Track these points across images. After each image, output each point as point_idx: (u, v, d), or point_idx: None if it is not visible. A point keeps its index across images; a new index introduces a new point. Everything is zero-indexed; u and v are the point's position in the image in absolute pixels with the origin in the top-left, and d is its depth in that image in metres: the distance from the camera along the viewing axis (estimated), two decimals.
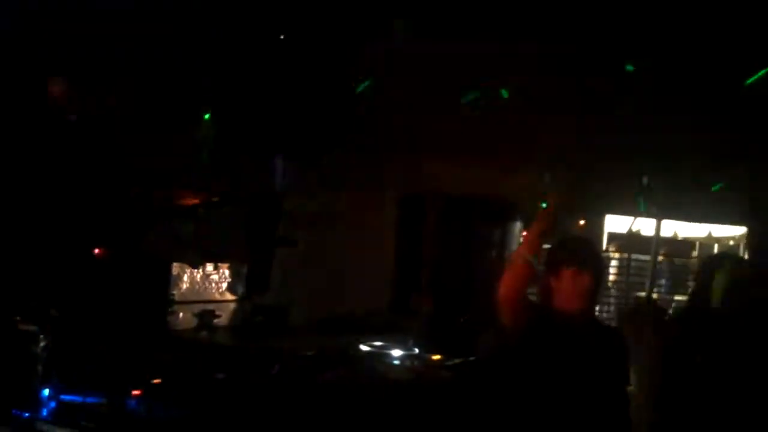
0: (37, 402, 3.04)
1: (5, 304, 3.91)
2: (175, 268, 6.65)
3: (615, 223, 10.32)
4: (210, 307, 6.90)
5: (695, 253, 10.82)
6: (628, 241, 10.28)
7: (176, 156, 7.99)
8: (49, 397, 3.09)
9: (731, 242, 10.80)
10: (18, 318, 3.82)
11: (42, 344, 3.64)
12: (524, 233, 5.44)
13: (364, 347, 4.66)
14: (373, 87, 7.43)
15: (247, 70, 7.16)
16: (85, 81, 5.61)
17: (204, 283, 6.87)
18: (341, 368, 4.23)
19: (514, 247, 9.06)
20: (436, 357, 4.70)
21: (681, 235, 10.87)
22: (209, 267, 6.93)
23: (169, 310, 6.62)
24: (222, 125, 7.31)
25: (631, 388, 5.19)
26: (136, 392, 3.30)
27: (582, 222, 9.58)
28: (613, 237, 10.56)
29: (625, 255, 10.32)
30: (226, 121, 7.25)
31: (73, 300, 5.45)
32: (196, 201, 7.35)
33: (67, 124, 5.57)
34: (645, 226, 10.20)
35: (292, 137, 7.00)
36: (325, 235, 8.65)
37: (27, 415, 2.89)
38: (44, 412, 2.95)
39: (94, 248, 5.70)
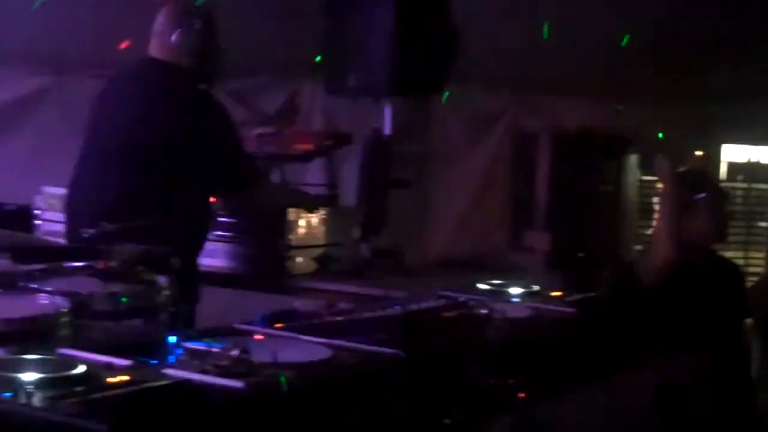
0: (164, 349, 3.11)
1: (132, 255, 3.99)
2: (291, 213, 6.71)
3: (733, 153, 10.11)
4: (327, 251, 6.96)
5: None
6: (750, 171, 10.10)
7: (288, 100, 8.06)
8: (175, 345, 3.16)
9: None
10: (141, 268, 3.90)
11: (167, 292, 3.72)
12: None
13: (482, 286, 4.65)
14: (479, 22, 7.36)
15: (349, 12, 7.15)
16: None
17: (320, 228, 6.93)
18: (461, 307, 4.22)
19: (630, 180, 8.97)
20: (556, 293, 4.66)
21: None
22: (325, 211, 6.97)
23: (287, 255, 6.70)
24: (330, 69, 7.33)
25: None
26: (258, 337, 3.35)
27: (700, 153, 9.43)
28: (733, 167, 10.36)
29: (746, 184, 10.15)
30: (335, 65, 7.27)
31: (194, 249, 5.56)
32: (310, 146, 7.40)
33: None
34: (765, 154, 9.99)
35: (400, 76, 6.97)
36: (439, 176, 8.66)
37: (154, 362, 2.95)
38: (171, 359, 3.01)
39: (211, 197, 5.79)
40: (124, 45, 6.22)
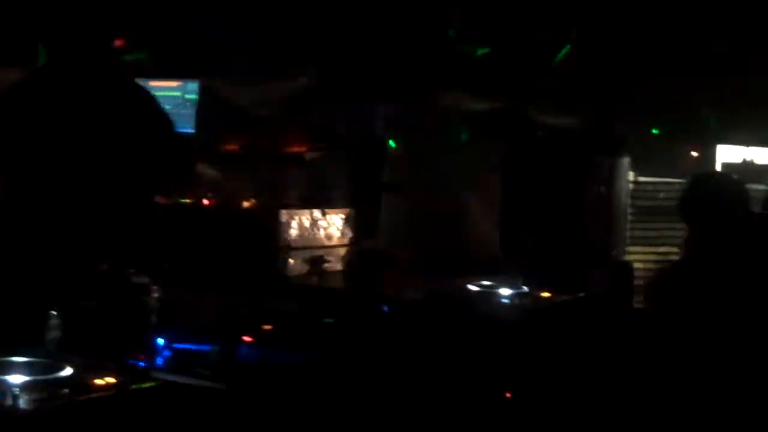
0: (152, 351, 3.12)
1: (120, 257, 4.00)
2: (284, 215, 6.72)
3: (727, 153, 10.12)
4: (319, 253, 6.97)
5: None
6: (744, 171, 10.10)
7: (281, 102, 8.07)
8: (164, 347, 3.17)
9: None
10: (132, 271, 3.91)
11: (155, 296, 3.72)
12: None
13: (472, 287, 4.66)
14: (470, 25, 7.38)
15: (346, 12, 7.17)
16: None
17: (313, 230, 6.94)
18: (449, 309, 4.24)
19: (622, 183, 8.99)
20: (546, 294, 4.68)
21: None
22: (317, 213, 6.99)
23: (278, 256, 6.71)
24: (325, 70, 7.35)
25: None
26: (247, 339, 3.36)
27: (695, 154, 9.44)
28: (727, 167, 10.37)
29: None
30: (329, 66, 7.29)
31: (184, 251, 5.57)
32: (303, 148, 7.42)
33: None
34: (759, 155, 10.01)
35: (393, 79, 6.99)
36: (431, 178, 8.67)
37: (143, 364, 2.96)
38: (159, 361, 3.02)
39: (202, 200, 5.79)
40: None
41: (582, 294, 4.82)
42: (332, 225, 7.05)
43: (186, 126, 7.74)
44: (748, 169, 10.09)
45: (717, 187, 5.18)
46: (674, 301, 4.76)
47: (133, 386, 2.72)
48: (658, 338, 4.70)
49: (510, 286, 4.71)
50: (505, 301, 4.49)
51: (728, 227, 4.98)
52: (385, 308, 4.08)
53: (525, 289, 4.70)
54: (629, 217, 9.16)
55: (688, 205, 5.14)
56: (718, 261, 4.89)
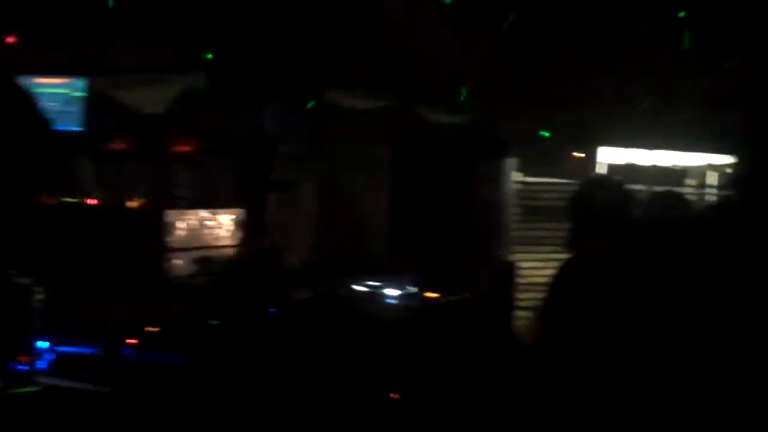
0: (35, 354, 3.08)
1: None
2: (170, 215, 6.67)
3: (607, 155, 10.35)
4: (207, 253, 6.93)
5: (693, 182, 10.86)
6: (627, 172, 10.32)
7: (170, 102, 8.00)
8: (47, 350, 3.12)
9: (730, 170, 10.84)
10: (13, 271, 3.83)
11: (38, 297, 3.66)
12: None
13: (359, 288, 4.69)
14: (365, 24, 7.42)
15: (237, 12, 7.14)
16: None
17: (200, 230, 6.90)
18: (335, 310, 4.26)
19: (508, 183, 9.11)
20: (432, 295, 4.74)
21: (677, 165, 10.90)
22: (205, 213, 6.94)
23: (164, 257, 6.65)
24: (214, 69, 7.30)
25: None
26: (131, 341, 3.33)
27: (579, 155, 9.62)
28: (613, 168, 10.59)
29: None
30: (218, 66, 7.24)
31: (67, 251, 5.48)
32: (191, 148, 7.36)
33: None
34: (639, 156, 10.25)
35: (281, 79, 6.99)
36: (322, 178, 8.68)
37: (24, 368, 2.92)
38: (42, 365, 2.98)
39: (86, 198, 5.71)
40: None
41: (467, 294, 4.87)
42: (221, 225, 7.01)
43: (72, 124, 7.62)
44: (631, 170, 10.34)
45: (603, 189, 5.29)
46: (564, 301, 4.84)
47: (14, 391, 2.68)
48: (547, 346, 4.81)
49: (397, 287, 4.75)
50: (392, 301, 4.53)
51: (614, 230, 5.09)
52: (272, 310, 4.09)
53: (412, 289, 4.75)
54: (516, 218, 9.29)
55: (574, 208, 5.25)
56: (603, 264, 5.00)
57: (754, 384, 3.52)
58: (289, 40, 6.85)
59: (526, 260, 8.75)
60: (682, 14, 7.71)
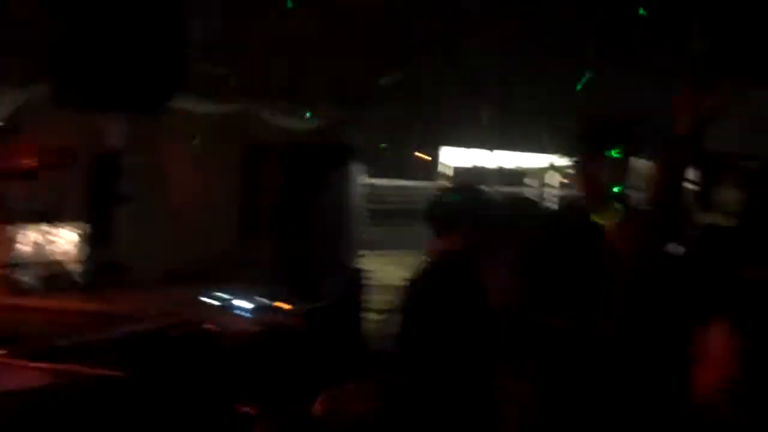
0: None
1: None
2: (9, 230, 6.52)
3: (449, 155, 10.52)
4: (52, 268, 6.80)
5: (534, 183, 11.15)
6: (473, 175, 10.50)
7: (12, 113, 7.80)
8: None
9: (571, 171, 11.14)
10: None
11: None
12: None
13: (206, 300, 4.68)
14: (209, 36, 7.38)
15: (79, 20, 7.01)
16: None
17: (44, 244, 6.76)
18: (186, 325, 4.25)
19: (354, 188, 9.17)
20: (282, 305, 4.75)
21: (519, 166, 11.17)
22: (48, 227, 6.81)
23: (5, 273, 6.50)
24: (59, 79, 7.15)
25: None
26: None
27: (425, 157, 9.74)
28: (458, 171, 10.78)
29: None
30: (63, 75, 7.09)
31: None
32: (34, 161, 7.20)
33: None
34: (481, 157, 10.45)
35: (126, 89, 6.89)
36: (166, 188, 8.59)
37: None
38: None
39: None
40: None
41: (318, 303, 4.90)
42: (65, 239, 6.88)
43: None
44: (476, 172, 10.54)
45: (458, 194, 5.38)
46: (424, 300, 4.91)
47: None
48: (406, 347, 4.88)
49: (248, 298, 4.75)
50: (243, 313, 4.54)
51: (471, 231, 5.19)
52: (121, 331, 4.05)
53: (264, 300, 4.76)
54: (365, 221, 9.37)
55: (429, 214, 5.34)
56: (455, 269, 5.10)
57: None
58: (134, 47, 6.75)
59: (376, 263, 8.83)
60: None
